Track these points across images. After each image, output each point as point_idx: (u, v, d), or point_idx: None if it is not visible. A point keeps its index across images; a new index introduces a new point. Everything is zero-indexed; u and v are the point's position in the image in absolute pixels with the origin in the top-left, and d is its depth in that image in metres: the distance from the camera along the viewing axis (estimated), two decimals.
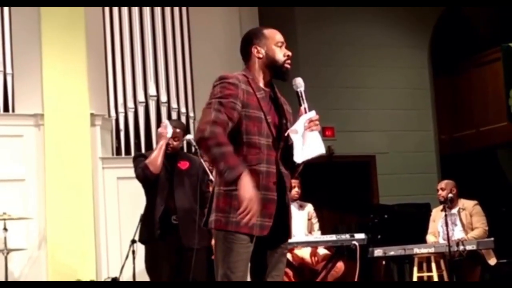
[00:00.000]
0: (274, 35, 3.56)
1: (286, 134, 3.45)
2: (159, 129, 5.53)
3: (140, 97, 8.24)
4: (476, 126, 11.59)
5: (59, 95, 7.66)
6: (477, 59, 11.72)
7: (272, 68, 3.52)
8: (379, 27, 11.36)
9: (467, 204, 7.47)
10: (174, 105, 8.38)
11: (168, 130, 5.46)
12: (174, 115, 8.31)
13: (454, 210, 7.45)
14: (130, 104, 8.19)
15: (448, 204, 7.34)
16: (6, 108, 7.58)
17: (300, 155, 3.46)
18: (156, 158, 5.35)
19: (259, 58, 3.52)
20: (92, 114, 7.80)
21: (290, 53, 3.55)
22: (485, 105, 11.38)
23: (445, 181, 7.61)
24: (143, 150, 7.97)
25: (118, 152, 8.14)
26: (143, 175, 5.40)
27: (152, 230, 5.40)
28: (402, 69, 11.53)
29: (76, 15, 7.82)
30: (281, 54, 3.52)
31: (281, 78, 3.55)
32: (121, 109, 8.17)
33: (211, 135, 3.25)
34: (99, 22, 8.19)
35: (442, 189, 7.47)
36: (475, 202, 7.51)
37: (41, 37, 7.72)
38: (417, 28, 11.63)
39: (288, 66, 3.53)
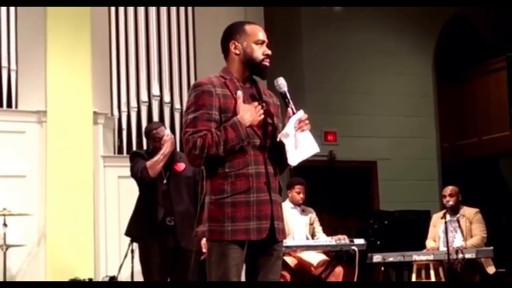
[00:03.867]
0: (255, 32, 3.45)
1: (278, 140, 3.36)
2: (167, 137, 5.46)
3: (143, 96, 8.25)
4: (478, 134, 11.58)
5: (62, 93, 7.67)
6: (481, 68, 11.71)
7: (250, 66, 3.42)
8: (385, 33, 11.36)
9: (468, 212, 7.46)
10: (177, 105, 8.40)
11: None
12: (176, 116, 8.33)
13: (455, 217, 7.45)
14: (133, 103, 8.20)
15: (449, 210, 7.34)
16: (9, 104, 7.59)
17: (294, 157, 3.37)
18: (157, 163, 5.32)
19: (236, 54, 3.43)
20: (95, 113, 7.81)
21: (269, 52, 3.44)
22: (488, 114, 11.38)
23: (451, 187, 7.55)
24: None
25: (120, 151, 8.15)
26: (140, 176, 5.37)
27: (147, 229, 5.38)
28: (406, 76, 11.54)
29: (82, 13, 7.84)
30: (259, 52, 3.41)
31: (259, 76, 3.47)
32: (124, 108, 8.18)
33: (193, 148, 3.24)
34: (104, 21, 8.21)
35: (451, 196, 7.44)
36: (477, 210, 7.49)
37: (46, 34, 7.74)
38: (422, 35, 11.63)
39: (267, 64, 3.43)
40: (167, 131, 5.59)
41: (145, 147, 8.04)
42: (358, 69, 11.14)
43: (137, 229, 5.49)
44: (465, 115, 11.85)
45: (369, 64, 11.21)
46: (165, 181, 5.41)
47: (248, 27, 3.47)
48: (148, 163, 5.32)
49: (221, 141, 3.24)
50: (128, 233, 5.63)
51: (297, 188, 7.12)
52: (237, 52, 3.43)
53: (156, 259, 5.36)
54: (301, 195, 7.14)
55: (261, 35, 3.46)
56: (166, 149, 5.36)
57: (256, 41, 3.43)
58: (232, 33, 3.46)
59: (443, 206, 7.57)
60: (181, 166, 5.52)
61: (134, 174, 5.44)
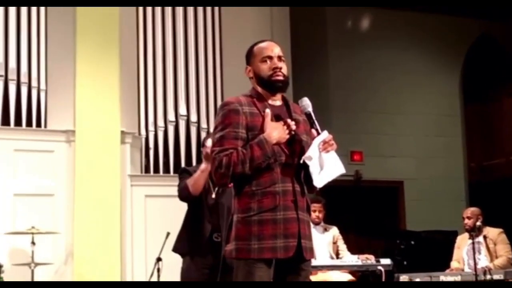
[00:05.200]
0: (260, 51, 3.46)
1: (301, 162, 3.36)
2: (207, 149, 5.12)
3: (171, 116, 8.30)
4: (506, 154, 11.49)
5: (91, 112, 7.75)
6: (509, 87, 11.64)
7: (263, 85, 3.43)
8: (411, 53, 11.37)
9: (492, 232, 7.40)
10: (204, 125, 8.43)
11: None
12: (203, 135, 8.35)
13: (479, 238, 7.38)
14: (161, 123, 8.26)
15: (476, 232, 7.27)
16: (38, 124, 7.68)
17: (320, 179, 3.38)
18: (198, 181, 5.14)
19: (251, 78, 3.48)
20: (122, 132, 7.87)
21: (278, 65, 3.40)
22: None
23: (471, 209, 7.52)
24: (171, 169, 8.05)
25: (147, 170, 8.19)
26: (183, 195, 5.20)
27: (194, 245, 5.22)
28: (433, 95, 11.51)
29: (111, 33, 7.93)
30: (266, 69, 3.41)
31: (275, 91, 3.44)
32: (151, 127, 8.23)
33: (219, 167, 3.26)
34: (132, 41, 8.29)
35: (469, 218, 7.39)
36: (500, 230, 7.43)
37: (75, 54, 7.84)
38: (449, 55, 11.61)
39: (278, 77, 3.40)
40: (208, 143, 5.37)
41: (172, 166, 8.12)
42: (385, 89, 11.14)
43: (184, 245, 5.30)
44: (492, 134, 11.77)
45: (396, 84, 11.21)
46: (213, 196, 5.25)
47: (256, 48, 3.49)
48: (189, 181, 5.16)
49: (247, 159, 3.25)
50: (175, 249, 5.52)
51: (313, 206, 7.02)
52: (251, 75, 3.48)
53: (196, 277, 5.18)
54: (317, 214, 7.03)
55: (266, 51, 3.45)
56: (203, 165, 5.18)
57: (262, 59, 3.43)
58: (246, 59, 3.52)
59: None
60: None
61: (178, 193, 5.30)
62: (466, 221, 7.39)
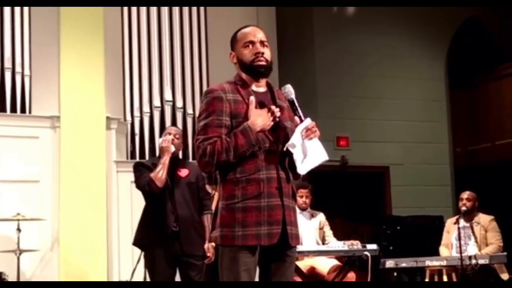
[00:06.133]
0: (242, 36, 3.43)
1: (285, 149, 3.35)
2: (163, 143, 5.53)
3: (156, 102, 8.28)
4: (491, 139, 11.54)
5: (76, 98, 7.70)
6: (494, 72, 11.68)
7: (246, 70, 3.41)
8: (397, 38, 11.36)
9: (484, 219, 7.42)
10: (189, 110, 8.42)
11: (171, 145, 5.50)
12: (189, 121, 8.34)
13: (469, 223, 7.41)
14: (146, 108, 8.23)
15: (462, 216, 7.29)
16: (23, 110, 7.63)
17: (303, 166, 3.37)
18: (161, 174, 5.38)
19: (235, 63, 3.46)
20: (108, 118, 7.84)
21: (259, 50, 3.38)
22: (501, 118, 11.34)
23: (468, 192, 7.52)
24: (157, 156, 8.01)
25: (133, 156, 8.17)
26: (149, 189, 5.40)
27: (156, 237, 5.37)
28: (419, 81, 11.53)
29: (95, 19, 7.88)
30: (248, 54, 3.39)
31: (260, 76, 3.43)
32: (136, 113, 8.21)
33: (203, 155, 3.26)
34: (117, 27, 8.25)
35: (468, 200, 7.40)
36: (492, 217, 7.45)
37: (60, 39, 7.78)
38: (435, 40, 11.62)
39: (260, 62, 3.38)
40: (161, 139, 5.65)
41: (157, 152, 8.09)
42: (371, 74, 11.14)
43: (146, 238, 5.47)
44: (478, 120, 11.81)
45: (382, 69, 11.21)
46: (170, 187, 5.44)
47: (239, 33, 3.47)
48: (152, 175, 5.38)
49: (231, 147, 3.24)
50: (136, 242, 5.62)
51: (300, 192, 7.03)
52: (234, 61, 3.46)
53: (161, 265, 5.36)
54: (304, 199, 7.03)
55: (248, 36, 3.43)
56: (163, 157, 5.46)
57: (244, 44, 3.41)
58: (231, 44, 3.49)
59: (458, 210, 7.54)
60: (184, 172, 5.55)
61: (141, 187, 5.48)
62: (465, 202, 7.39)
